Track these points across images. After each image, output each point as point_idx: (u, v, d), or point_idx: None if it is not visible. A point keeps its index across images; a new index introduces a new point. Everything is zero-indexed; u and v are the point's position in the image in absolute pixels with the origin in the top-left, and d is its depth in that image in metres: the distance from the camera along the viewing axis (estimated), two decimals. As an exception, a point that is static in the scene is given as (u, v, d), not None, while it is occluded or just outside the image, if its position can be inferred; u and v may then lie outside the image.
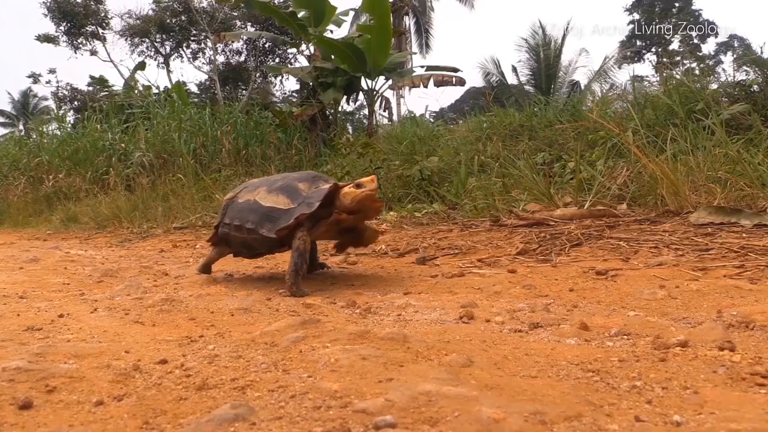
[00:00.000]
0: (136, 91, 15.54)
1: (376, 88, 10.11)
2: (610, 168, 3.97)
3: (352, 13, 14.77)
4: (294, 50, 17.18)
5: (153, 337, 1.52)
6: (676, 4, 31.50)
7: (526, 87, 17.71)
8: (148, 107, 11.53)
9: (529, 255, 2.71)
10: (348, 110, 13.98)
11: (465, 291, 2.05)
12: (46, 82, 25.18)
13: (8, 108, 33.29)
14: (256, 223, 2.34)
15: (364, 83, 10.03)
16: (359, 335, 1.37)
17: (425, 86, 9.70)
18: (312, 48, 10.77)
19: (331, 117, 10.13)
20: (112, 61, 22.43)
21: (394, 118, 14.51)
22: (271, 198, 2.36)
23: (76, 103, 21.39)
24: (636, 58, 30.90)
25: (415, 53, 25.32)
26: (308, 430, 0.85)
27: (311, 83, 10.09)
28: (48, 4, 20.65)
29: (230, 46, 21.09)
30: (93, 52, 22.13)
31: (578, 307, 1.71)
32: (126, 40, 22.01)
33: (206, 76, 22.86)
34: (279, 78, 20.85)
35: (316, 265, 2.77)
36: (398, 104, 17.74)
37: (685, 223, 2.81)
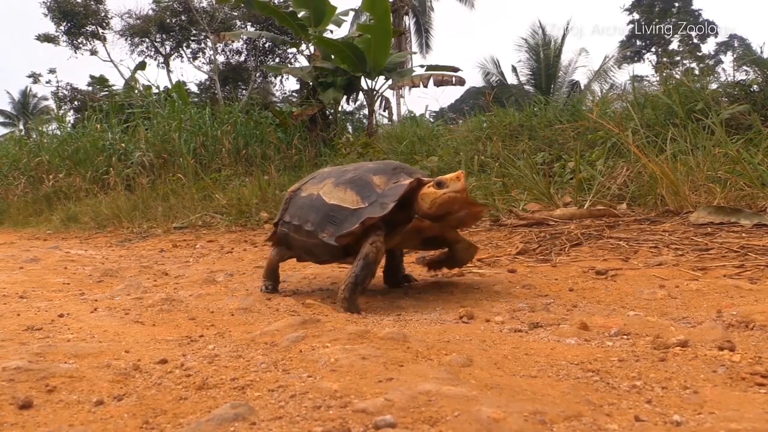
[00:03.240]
0: (136, 91, 15.55)
1: (376, 88, 10.13)
2: (609, 168, 3.97)
3: (352, 13, 14.77)
4: (294, 50, 17.20)
5: (153, 336, 1.52)
6: (676, 4, 31.50)
7: (526, 87, 17.73)
8: (148, 107, 11.55)
9: (529, 255, 2.71)
10: (348, 110, 14.00)
11: (465, 291, 2.05)
12: (46, 82, 25.18)
13: (8, 108, 33.30)
14: (316, 225, 1.89)
15: (364, 83, 10.04)
16: (359, 335, 1.37)
17: (425, 86, 9.71)
18: (312, 48, 10.78)
19: (331, 117, 10.13)
20: (112, 60, 22.45)
21: (394, 117, 14.51)
22: (336, 193, 1.90)
23: (76, 102, 21.40)
24: (636, 58, 30.90)
25: (415, 53, 25.34)
26: (308, 430, 0.85)
27: (311, 83, 10.09)
28: (48, 3, 20.66)
29: (230, 46, 21.10)
30: (93, 52, 22.15)
31: (578, 306, 1.71)
32: (126, 40, 22.03)
33: (206, 76, 22.87)
34: (279, 78, 20.87)
35: (401, 278, 2.27)
36: (398, 104, 17.75)
37: (685, 223, 2.81)
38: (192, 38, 21.76)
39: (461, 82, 10.08)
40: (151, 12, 21.65)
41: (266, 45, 19.99)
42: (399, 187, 1.85)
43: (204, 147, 9.44)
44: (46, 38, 21.65)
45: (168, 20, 21.16)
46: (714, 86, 4.86)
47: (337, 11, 10.78)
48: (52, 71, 24.41)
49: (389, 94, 15.21)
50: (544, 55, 17.83)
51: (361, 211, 1.82)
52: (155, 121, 10.40)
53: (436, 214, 1.83)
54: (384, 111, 12.93)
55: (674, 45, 31.66)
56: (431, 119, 11.05)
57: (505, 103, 8.44)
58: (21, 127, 28.66)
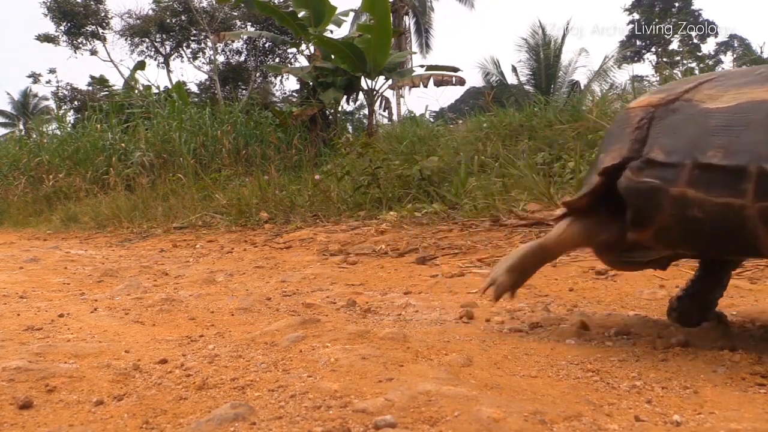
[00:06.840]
0: (136, 91, 15.55)
1: (376, 88, 10.14)
2: (610, 168, 3.96)
3: (352, 14, 14.76)
4: (294, 50, 17.16)
5: (153, 336, 1.52)
6: (676, 4, 31.49)
7: (526, 87, 17.69)
8: (148, 107, 11.55)
9: (529, 255, 2.71)
10: (348, 110, 14.00)
11: (465, 291, 2.05)
12: (46, 82, 25.12)
13: (8, 108, 33.22)
14: None
15: (364, 83, 10.05)
16: (359, 335, 1.37)
17: (425, 86, 9.71)
18: (312, 48, 10.79)
19: (331, 117, 10.14)
20: (112, 60, 22.40)
21: (394, 117, 14.50)
22: None
23: (76, 102, 21.37)
24: (636, 58, 30.87)
25: (415, 53, 25.28)
26: (308, 430, 0.85)
27: (311, 83, 10.10)
28: (48, 3, 20.63)
29: (230, 46, 21.08)
30: (93, 52, 22.11)
31: (578, 306, 1.71)
32: (126, 40, 21.99)
33: (206, 76, 22.84)
34: (279, 78, 20.83)
35: (712, 311, 1.35)
36: (398, 104, 17.71)
37: (685, 223, 2.80)
38: (192, 38, 21.73)
39: (461, 82, 10.08)
40: (151, 12, 21.61)
41: (266, 45, 19.96)
42: None
43: (204, 147, 9.45)
44: (46, 38, 21.62)
45: (168, 20, 21.13)
46: (714, 86, 4.85)
47: (337, 11, 10.80)
48: (52, 71, 24.37)
49: (389, 94, 15.19)
50: (544, 55, 17.81)
51: None
52: (155, 121, 10.40)
53: None
54: (384, 111, 12.94)
55: (674, 45, 31.66)
56: (431, 119, 11.04)
57: (505, 103, 8.43)
58: (21, 127, 28.61)
